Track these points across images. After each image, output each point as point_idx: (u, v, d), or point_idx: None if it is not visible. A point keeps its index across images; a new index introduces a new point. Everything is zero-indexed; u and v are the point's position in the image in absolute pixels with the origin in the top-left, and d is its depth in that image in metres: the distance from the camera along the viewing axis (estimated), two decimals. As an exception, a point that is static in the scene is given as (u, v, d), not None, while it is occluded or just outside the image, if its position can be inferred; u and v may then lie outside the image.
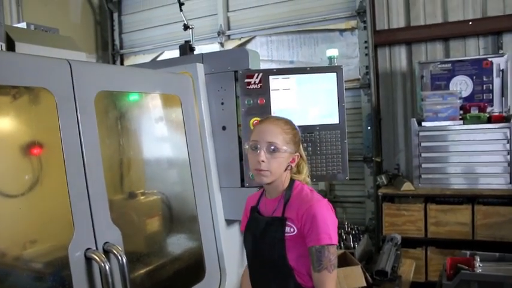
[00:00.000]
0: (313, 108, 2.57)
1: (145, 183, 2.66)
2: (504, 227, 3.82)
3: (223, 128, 2.58)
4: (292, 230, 1.77)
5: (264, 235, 1.84)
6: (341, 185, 5.12)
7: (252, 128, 2.47)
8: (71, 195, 1.77)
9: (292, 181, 1.88)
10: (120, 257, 1.85)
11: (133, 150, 2.35)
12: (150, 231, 2.73)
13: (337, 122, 2.55)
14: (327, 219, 1.74)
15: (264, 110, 2.48)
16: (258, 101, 2.49)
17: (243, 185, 2.58)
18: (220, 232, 2.63)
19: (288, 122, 1.87)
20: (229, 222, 2.69)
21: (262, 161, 1.76)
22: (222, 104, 2.57)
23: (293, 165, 1.87)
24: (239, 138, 2.56)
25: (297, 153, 1.87)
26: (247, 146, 1.85)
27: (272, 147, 1.77)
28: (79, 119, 1.83)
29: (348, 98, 4.67)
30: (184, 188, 2.55)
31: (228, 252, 2.68)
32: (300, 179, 1.92)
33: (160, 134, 2.47)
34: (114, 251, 1.86)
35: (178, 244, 2.68)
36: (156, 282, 2.49)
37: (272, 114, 2.45)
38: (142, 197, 2.70)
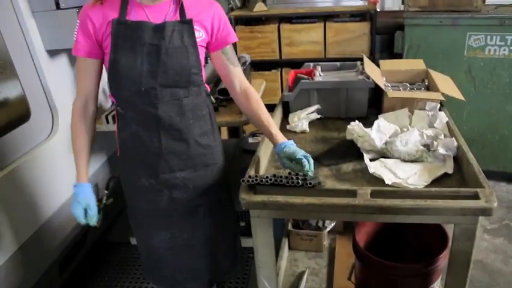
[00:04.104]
0: None
1: None
2: (353, 43, 3.89)
3: None
4: (201, 34, 1.61)
5: (173, 43, 1.55)
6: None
7: None
8: None
9: None
10: None
11: None
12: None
13: None
14: (226, 15, 1.70)
15: None
16: None
17: (58, 7, 2.17)
18: (42, 66, 2.28)
19: None
20: (52, 53, 2.33)
21: None
22: None
23: None
24: None
25: None
26: None
27: None
28: None
29: None
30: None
31: (58, 88, 2.37)
32: None
33: None
34: None
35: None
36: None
37: None
38: None
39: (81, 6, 2.18)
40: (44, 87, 2.32)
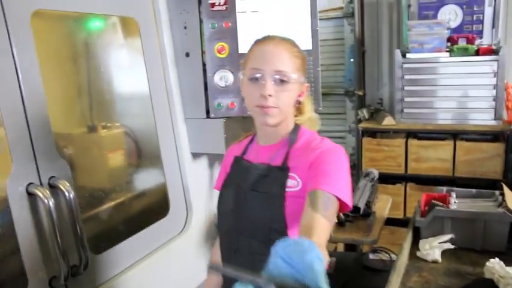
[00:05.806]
0: (284, 33, 2.35)
1: (104, 116, 2.48)
2: (485, 164, 3.74)
3: (187, 54, 2.37)
4: (295, 183, 1.35)
5: (256, 188, 1.40)
6: (321, 120, 4.95)
7: (217, 54, 2.29)
8: (6, 125, 1.59)
9: (297, 126, 1.48)
10: (67, 192, 1.70)
11: (86, 79, 2.15)
12: (111, 165, 2.60)
13: (310, 47, 2.34)
14: (342, 168, 1.33)
15: (229, 35, 2.27)
16: (223, 25, 2.27)
17: (208, 116, 2.41)
18: (185, 166, 2.50)
19: (295, 43, 1.43)
20: (195, 155, 2.55)
21: (270, 96, 1.33)
22: (185, 28, 2.34)
23: (301, 99, 1.46)
24: (203, 65, 2.35)
25: (306, 84, 1.46)
26: (242, 76, 1.40)
27: (282, 77, 1.33)
28: (12, 43, 1.61)
29: (330, 28, 4.43)
30: (146, 121, 2.39)
31: (194, 187, 2.56)
32: (303, 120, 1.51)
33: (116, 62, 2.25)
34: (61, 186, 1.71)
35: (140, 179, 2.56)
36: (117, 218, 2.38)
37: (240, 39, 2.27)
38: (103, 130, 2.55)
39: (228, 117, 2.40)
40: (183, 185, 2.52)
